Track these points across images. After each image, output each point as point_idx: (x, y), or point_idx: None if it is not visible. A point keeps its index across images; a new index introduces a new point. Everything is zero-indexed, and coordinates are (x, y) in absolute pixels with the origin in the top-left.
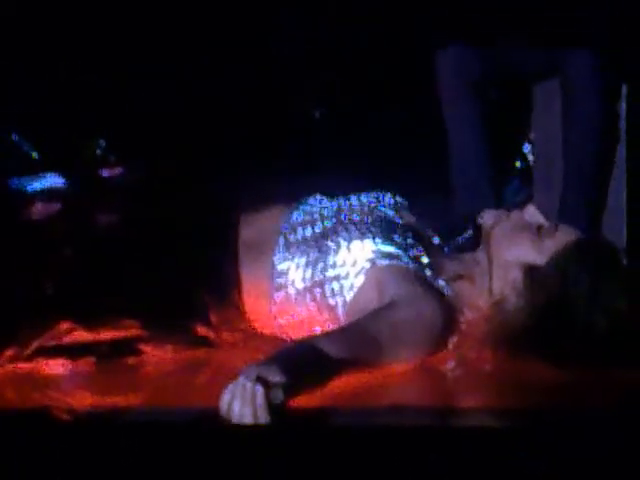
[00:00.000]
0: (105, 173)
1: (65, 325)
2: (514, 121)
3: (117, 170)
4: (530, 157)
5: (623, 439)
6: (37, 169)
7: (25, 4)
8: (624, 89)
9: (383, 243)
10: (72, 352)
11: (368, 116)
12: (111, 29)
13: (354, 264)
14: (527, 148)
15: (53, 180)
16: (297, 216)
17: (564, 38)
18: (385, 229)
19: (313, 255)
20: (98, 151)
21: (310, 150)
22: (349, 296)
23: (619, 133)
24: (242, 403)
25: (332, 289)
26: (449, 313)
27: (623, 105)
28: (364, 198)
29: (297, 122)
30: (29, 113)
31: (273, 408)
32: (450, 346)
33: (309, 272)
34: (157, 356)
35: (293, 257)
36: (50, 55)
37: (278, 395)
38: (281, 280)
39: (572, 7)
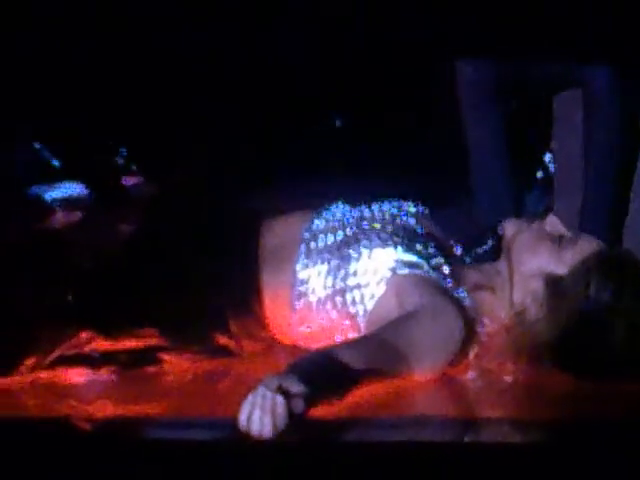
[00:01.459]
0: (126, 182)
1: (85, 334)
2: (535, 131)
3: (138, 179)
4: (551, 167)
5: None
6: (58, 177)
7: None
8: None
9: (405, 252)
10: (92, 361)
11: (390, 123)
12: (133, 40)
13: (375, 273)
14: (548, 158)
15: (74, 189)
16: (319, 224)
17: (583, 52)
18: (407, 238)
19: (334, 263)
20: (120, 160)
21: (333, 158)
22: (370, 305)
23: None
24: (262, 413)
25: (353, 297)
26: (469, 323)
27: None
28: (386, 206)
29: (320, 130)
30: (51, 121)
31: (293, 418)
32: (471, 357)
33: (330, 280)
34: (177, 365)
35: (314, 265)
36: (73, 64)
37: (298, 405)
38: (302, 288)
39: (589, 21)
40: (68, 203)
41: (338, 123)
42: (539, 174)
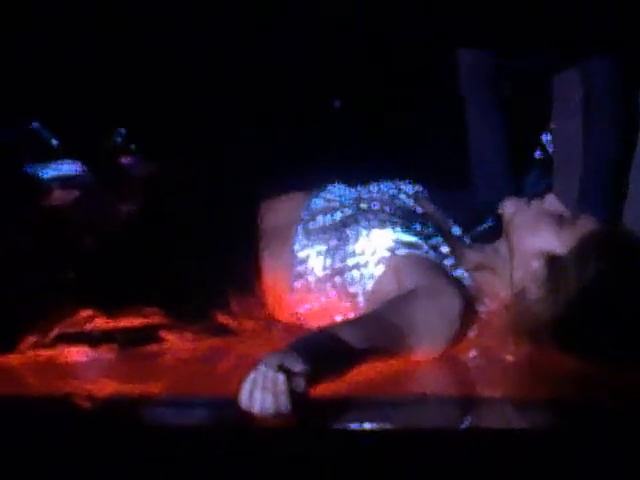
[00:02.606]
0: (125, 162)
1: (86, 312)
2: (533, 111)
3: (137, 159)
4: (550, 147)
5: None
6: (57, 156)
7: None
8: None
9: (403, 232)
10: (93, 339)
11: (389, 106)
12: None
13: (374, 253)
14: (546, 138)
15: (72, 167)
16: (317, 204)
17: (583, 43)
18: (405, 218)
19: (333, 243)
20: (118, 139)
21: (331, 139)
22: (369, 285)
23: (639, 123)
24: (263, 392)
25: (352, 277)
26: (469, 303)
27: None
28: (384, 187)
29: (317, 112)
30: (50, 100)
31: (295, 397)
32: (471, 336)
33: (329, 260)
34: (178, 344)
35: (313, 245)
36: (71, 43)
37: (300, 383)
38: (301, 268)
39: (589, 13)
40: (66, 182)
41: (337, 104)
42: (538, 154)
